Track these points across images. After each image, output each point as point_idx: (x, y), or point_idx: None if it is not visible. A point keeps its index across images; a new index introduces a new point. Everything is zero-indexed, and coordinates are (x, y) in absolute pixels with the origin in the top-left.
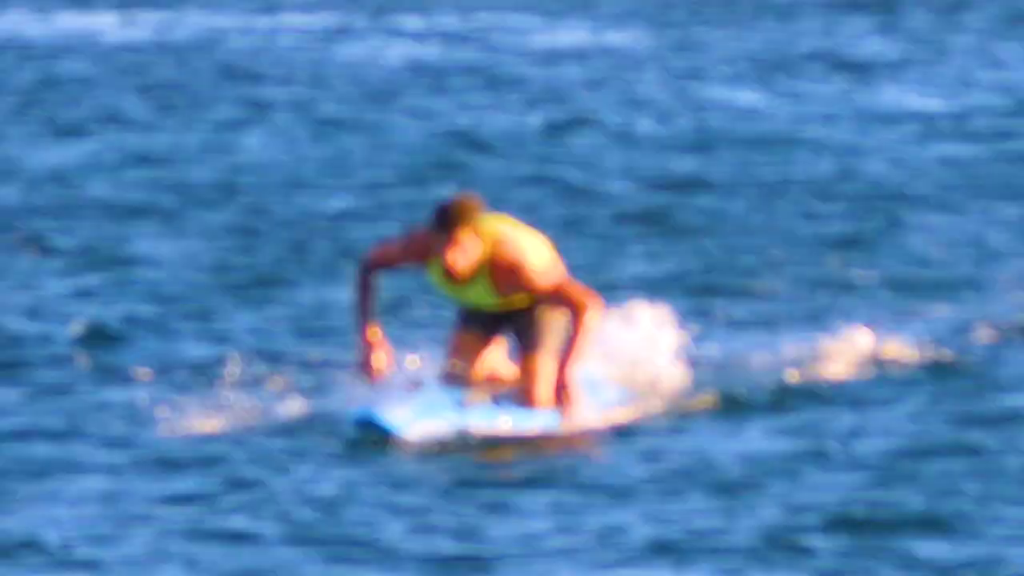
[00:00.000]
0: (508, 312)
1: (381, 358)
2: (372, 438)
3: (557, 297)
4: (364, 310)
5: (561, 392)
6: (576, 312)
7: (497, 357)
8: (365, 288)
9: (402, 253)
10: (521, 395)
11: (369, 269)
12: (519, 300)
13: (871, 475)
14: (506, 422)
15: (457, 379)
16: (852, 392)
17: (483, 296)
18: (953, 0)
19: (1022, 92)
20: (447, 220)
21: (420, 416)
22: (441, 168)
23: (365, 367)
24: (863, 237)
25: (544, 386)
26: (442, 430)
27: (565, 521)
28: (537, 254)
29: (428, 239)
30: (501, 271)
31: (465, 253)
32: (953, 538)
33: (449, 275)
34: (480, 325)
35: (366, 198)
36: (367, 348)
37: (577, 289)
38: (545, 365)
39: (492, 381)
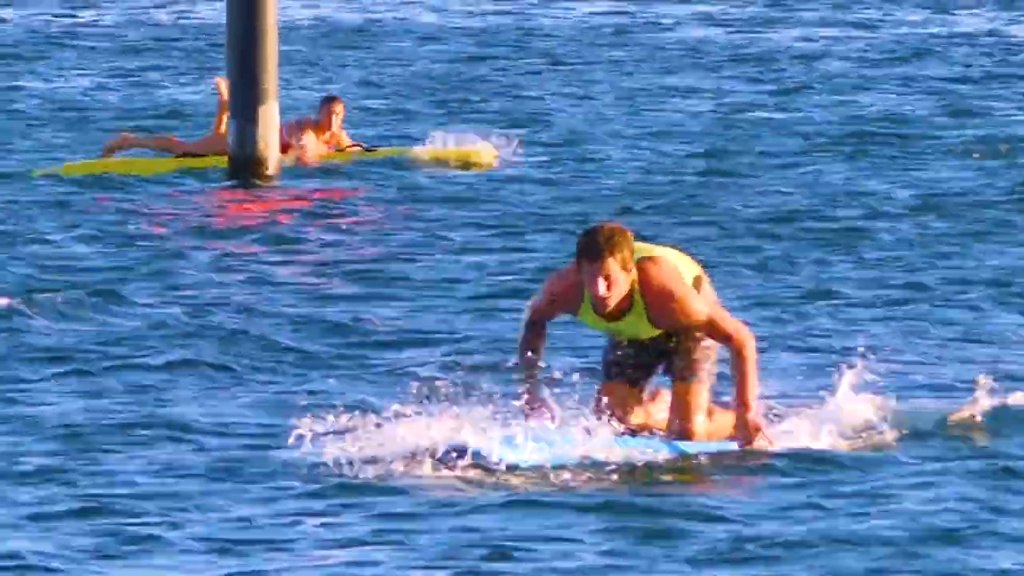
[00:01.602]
0: (659, 343)
1: (541, 417)
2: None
3: (712, 329)
4: (529, 376)
5: (752, 430)
6: (733, 345)
7: (649, 406)
8: (527, 350)
9: (549, 306)
10: (676, 427)
11: (532, 328)
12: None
13: None
14: (662, 452)
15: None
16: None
17: (639, 328)
18: None
19: None
20: (593, 250)
21: (552, 444)
22: None
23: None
24: None
25: (700, 417)
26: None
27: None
28: (690, 281)
29: (573, 277)
30: (655, 300)
31: (615, 284)
32: None
33: (601, 311)
34: (629, 369)
35: None
36: (529, 411)
37: (732, 321)
38: (700, 396)
39: (644, 428)
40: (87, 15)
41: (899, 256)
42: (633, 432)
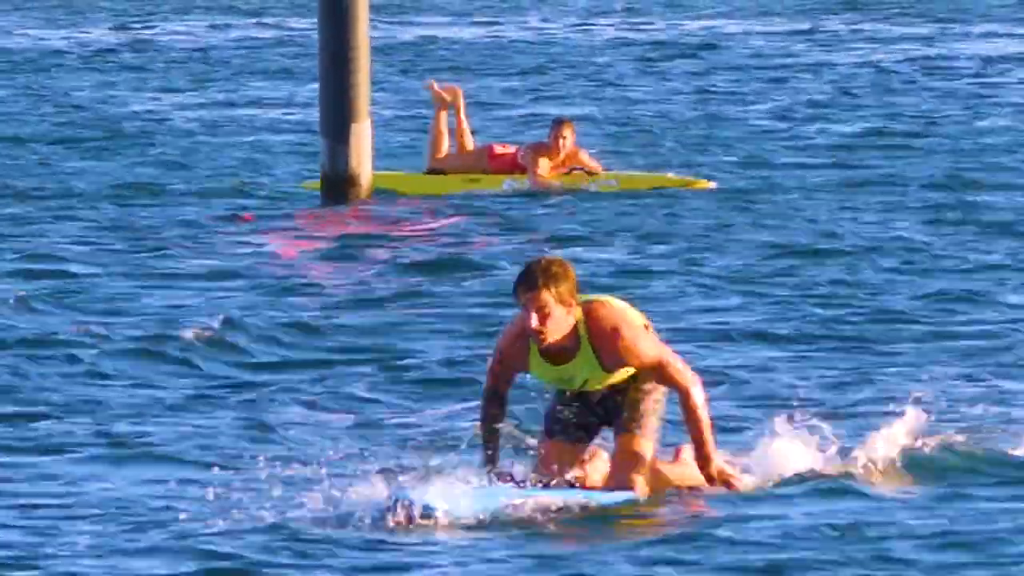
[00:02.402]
0: (607, 400)
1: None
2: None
3: (661, 372)
4: (488, 448)
5: (721, 482)
6: (682, 391)
7: (586, 467)
8: (488, 421)
9: (501, 365)
10: (618, 479)
11: (490, 398)
12: (620, 377)
13: None
14: (598, 501)
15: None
16: None
17: (588, 370)
18: None
19: None
20: (528, 280)
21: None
22: None
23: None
24: None
25: (643, 470)
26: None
27: None
28: (636, 320)
29: (517, 326)
30: (603, 339)
31: (551, 317)
32: None
33: (548, 353)
34: (571, 427)
35: None
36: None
37: (682, 366)
38: (645, 449)
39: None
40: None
41: None
42: (571, 486)
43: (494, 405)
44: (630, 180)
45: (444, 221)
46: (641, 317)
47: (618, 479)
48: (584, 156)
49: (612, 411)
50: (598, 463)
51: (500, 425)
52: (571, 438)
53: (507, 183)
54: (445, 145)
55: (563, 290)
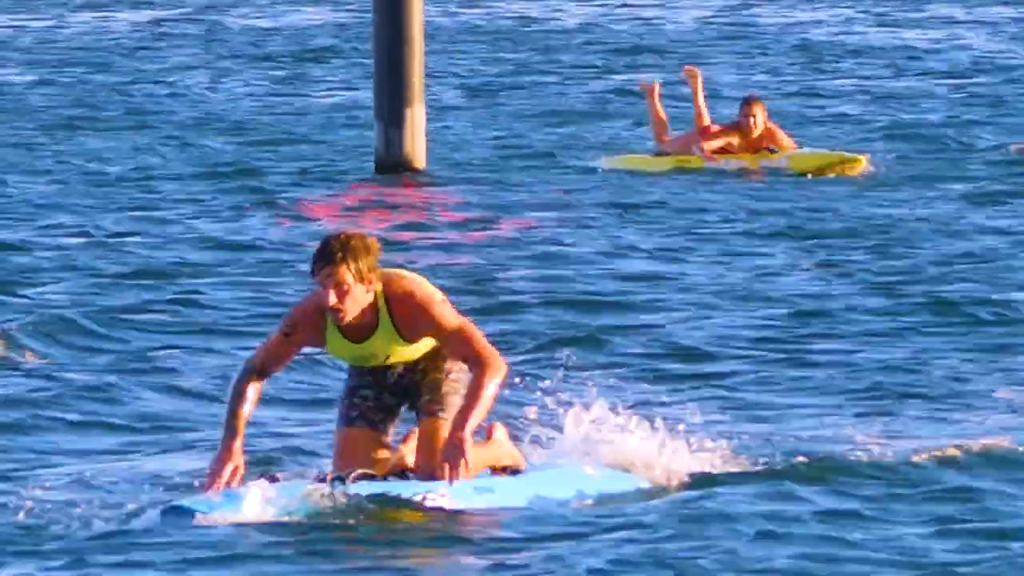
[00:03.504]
0: (406, 376)
1: (231, 472)
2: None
3: (463, 342)
4: (235, 422)
5: (455, 451)
6: (480, 363)
7: (402, 448)
8: (242, 397)
9: (285, 339)
10: (425, 466)
11: (253, 374)
12: (418, 356)
13: None
14: (408, 493)
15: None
16: None
17: (389, 344)
18: None
19: None
20: (326, 256)
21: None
22: None
23: (214, 476)
24: None
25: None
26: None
27: None
28: (435, 291)
29: (315, 299)
30: (403, 308)
31: (349, 295)
32: None
33: (346, 331)
34: (370, 412)
35: None
36: (223, 459)
37: (485, 342)
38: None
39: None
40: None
41: None
42: (375, 477)
43: (254, 383)
44: (800, 160)
45: (502, 208)
46: (439, 292)
47: (425, 466)
48: (780, 135)
49: (411, 392)
50: (412, 444)
51: (249, 409)
52: (370, 423)
53: (763, 163)
54: (666, 130)
55: (363, 265)
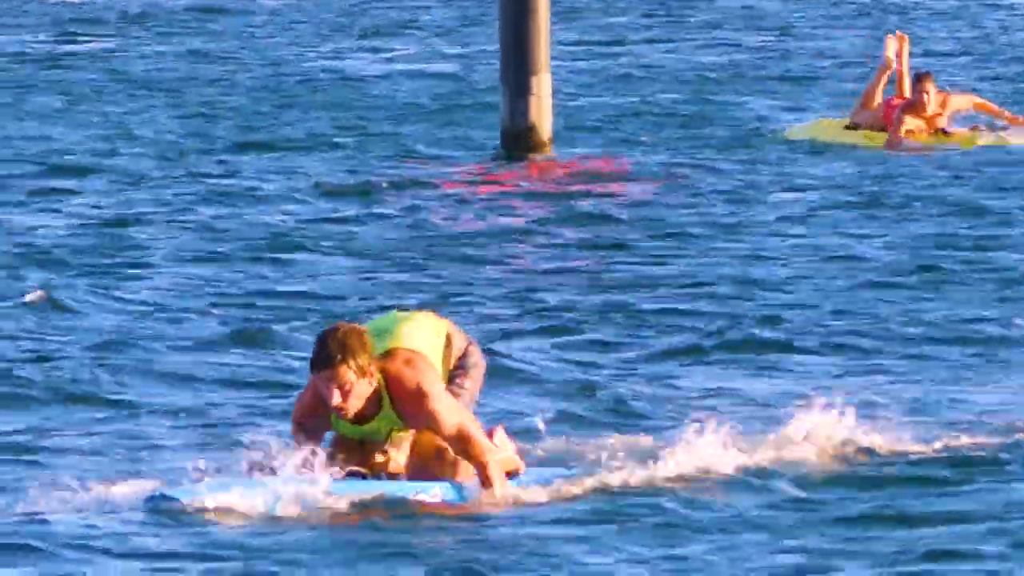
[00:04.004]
0: None
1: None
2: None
3: (460, 441)
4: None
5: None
6: (479, 465)
7: (390, 451)
8: (300, 441)
9: (304, 419)
10: (416, 467)
11: (300, 430)
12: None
13: None
14: (401, 492)
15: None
16: None
17: (390, 426)
18: None
19: None
20: (324, 359)
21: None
22: None
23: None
24: None
25: (451, 455)
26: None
27: None
28: (436, 382)
29: (316, 393)
30: (402, 397)
31: (352, 393)
32: None
33: (344, 419)
34: None
35: None
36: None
37: (481, 439)
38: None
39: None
40: None
41: None
42: (366, 476)
43: (306, 434)
44: (969, 138)
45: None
46: (441, 327)
47: (417, 467)
48: (955, 98)
49: None
50: (405, 449)
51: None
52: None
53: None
54: (876, 101)
55: (362, 361)
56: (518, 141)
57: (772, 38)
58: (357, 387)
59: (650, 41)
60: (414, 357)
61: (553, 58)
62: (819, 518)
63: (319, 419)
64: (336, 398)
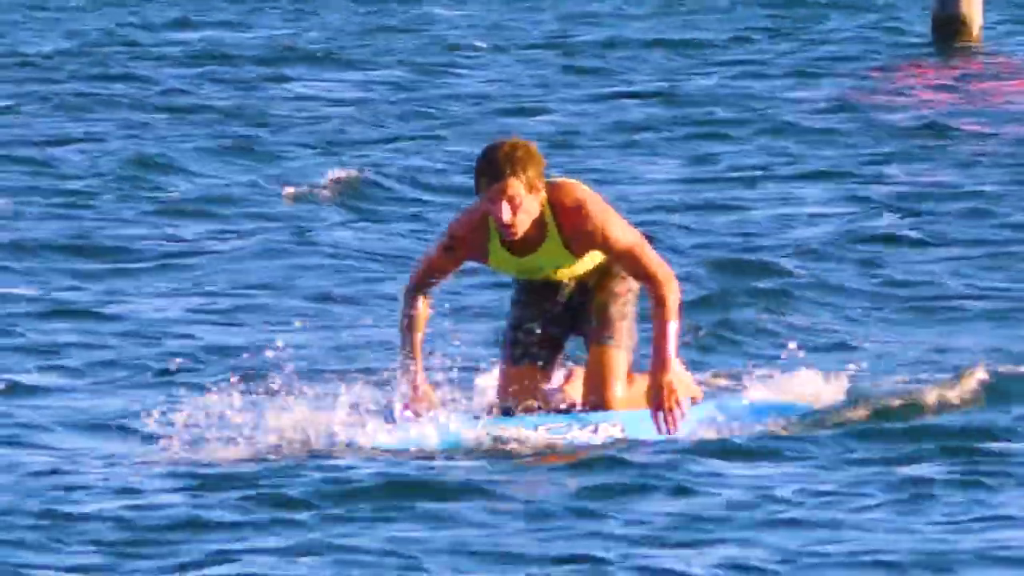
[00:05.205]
0: (570, 305)
1: (422, 407)
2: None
3: (634, 262)
4: (412, 353)
5: (664, 397)
6: (655, 287)
7: (565, 388)
8: (413, 324)
9: (447, 254)
10: (593, 398)
11: (415, 295)
12: (588, 269)
13: None
14: (576, 429)
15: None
16: None
17: (556, 257)
18: None
19: None
20: (494, 169)
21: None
22: None
23: (406, 409)
24: None
25: (619, 385)
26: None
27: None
28: (606, 204)
29: (477, 212)
30: (571, 220)
31: (521, 207)
32: None
33: (511, 244)
34: (534, 347)
35: None
36: (413, 396)
37: (658, 258)
38: (618, 361)
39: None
40: None
41: None
42: (542, 410)
43: (420, 304)
44: None
45: None
46: (609, 206)
47: (592, 398)
48: None
49: (579, 318)
50: (575, 383)
51: (422, 335)
52: (535, 360)
53: None
54: None
55: (532, 175)
56: (947, 30)
57: None
58: (526, 202)
59: None
60: (580, 183)
61: None
62: None
63: (447, 270)
64: (506, 213)
